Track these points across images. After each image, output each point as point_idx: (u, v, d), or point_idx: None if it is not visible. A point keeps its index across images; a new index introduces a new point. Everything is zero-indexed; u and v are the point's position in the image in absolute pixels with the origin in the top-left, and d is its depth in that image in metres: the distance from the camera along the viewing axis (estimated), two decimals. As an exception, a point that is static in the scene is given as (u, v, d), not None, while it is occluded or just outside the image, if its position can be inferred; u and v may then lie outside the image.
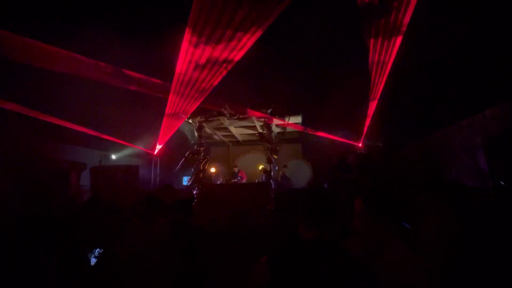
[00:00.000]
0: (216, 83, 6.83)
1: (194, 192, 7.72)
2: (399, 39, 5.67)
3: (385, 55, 6.25)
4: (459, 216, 1.42)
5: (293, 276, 1.11)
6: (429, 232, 1.32)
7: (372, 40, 5.95)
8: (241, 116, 7.94)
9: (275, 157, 7.85)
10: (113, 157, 9.95)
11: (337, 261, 1.12)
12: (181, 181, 9.91)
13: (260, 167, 8.79)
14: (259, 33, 5.20)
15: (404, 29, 5.39)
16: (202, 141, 8.37)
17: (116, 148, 9.59)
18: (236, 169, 9.37)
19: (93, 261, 2.25)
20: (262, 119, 8.01)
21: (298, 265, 1.13)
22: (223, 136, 10.41)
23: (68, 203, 6.76)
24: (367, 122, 8.28)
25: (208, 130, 9.20)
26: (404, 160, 8.27)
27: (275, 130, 8.95)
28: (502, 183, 4.84)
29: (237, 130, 9.66)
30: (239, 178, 9.08)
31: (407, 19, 5.27)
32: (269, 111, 7.78)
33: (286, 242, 1.25)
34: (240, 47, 5.80)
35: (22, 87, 6.48)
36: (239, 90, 7.88)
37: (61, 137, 7.98)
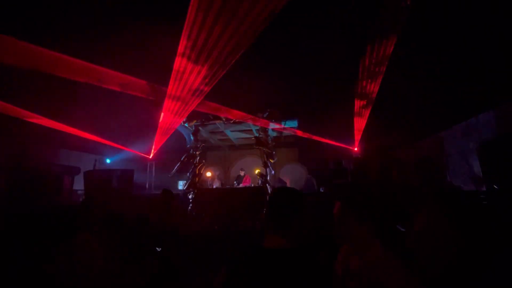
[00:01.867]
0: (212, 86, 6.82)
1: (190, 196, 7.66)
2: (393, 43, 5.74)
3: (380, 59, 6.32)
4: (454, 219, 1.42)
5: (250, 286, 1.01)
6: (422, 235, 1.31)
7: (367, 45, 6.01)
8: (237, 120, 7.93)
9: (271, 161, 7.84)
10: (108, 161, 9.85)
11: (300, 272, 0.99)
12: (176, 185, 9.83)
13: (257, 171, 8.76)
14: (256, 35, 5.21)
15: (399, 30, 5.45)
16: (198, 145, 8.33)
17: (111, 152, 9.49)
18: (242, 173, 9.23)
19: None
20: (258, 123, 8.01)
21: (256, 276, 1.02)
22: (219, 140, 10.37)
23: (61, 207, 6.65)
24: (363, 126, 8.34)
25: (204, 134, 9.16)
26: (399, 164, 8.31)
27: (271, 134, 8.95)
28: (496, 187, 4.87)
29: (233, 134, 9.63)
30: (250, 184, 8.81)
31: (402, 22, 5.33)
32: (265, 115, 7.80)
33: (246, 251, 1.12)
34: (237, 50, 5.81)
35: (16, 91, 6.41)
36: (235, 94, 7.88)
37: (56, 141, 7.88)
